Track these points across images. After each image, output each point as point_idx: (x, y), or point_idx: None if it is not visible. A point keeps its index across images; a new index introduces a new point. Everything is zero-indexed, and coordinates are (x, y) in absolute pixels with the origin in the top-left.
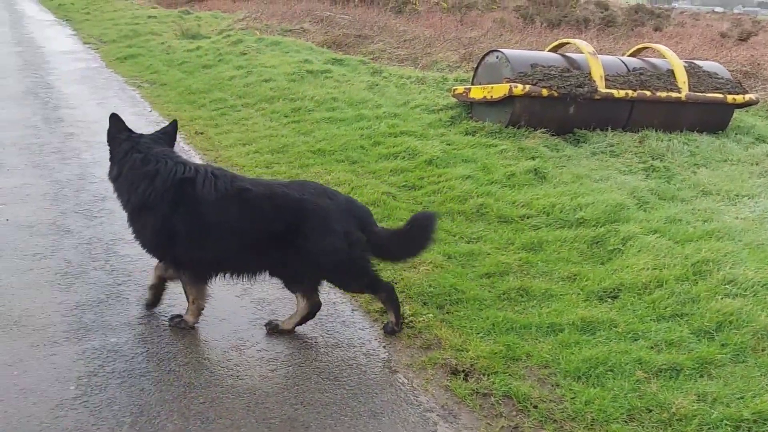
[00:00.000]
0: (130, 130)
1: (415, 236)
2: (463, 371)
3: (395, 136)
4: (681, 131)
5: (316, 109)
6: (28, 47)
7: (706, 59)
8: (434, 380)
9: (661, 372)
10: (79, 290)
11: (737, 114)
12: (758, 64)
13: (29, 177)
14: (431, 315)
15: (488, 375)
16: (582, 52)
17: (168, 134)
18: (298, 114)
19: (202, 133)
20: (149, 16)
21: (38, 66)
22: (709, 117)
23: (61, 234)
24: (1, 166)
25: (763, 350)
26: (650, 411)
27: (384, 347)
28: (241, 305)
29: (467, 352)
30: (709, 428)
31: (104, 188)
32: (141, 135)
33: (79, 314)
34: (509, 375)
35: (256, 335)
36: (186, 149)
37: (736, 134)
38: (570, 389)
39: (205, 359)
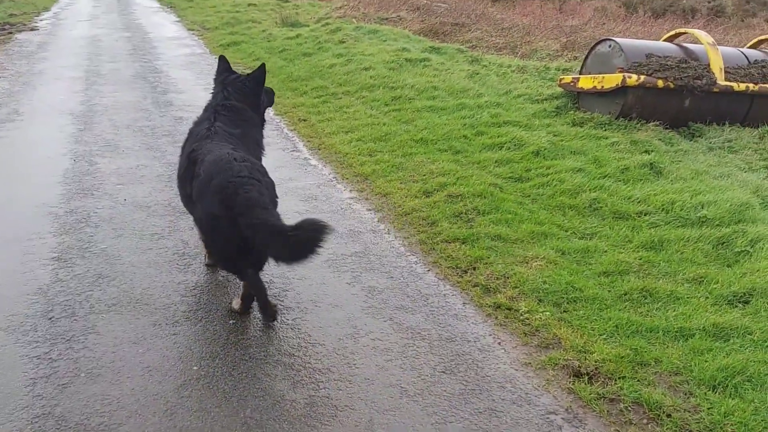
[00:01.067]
0: (228, 72)
1: (299, 243)
2: (587, 374)
3: (498, 126)
4: None
5: (417, 98)
6: (135, 33)
7: None
8: (556, 381)
9: None
10: (197, 271)
11: None
12: None
13: (143, 158)
14: (548, 313)
15: (615, 379)
16: (700, 43)
17: (255, 78)
18: (399, 102)
19: (305, 120)
20: (249, 4)
21: (146, 51)
22: None
23: (176, 215)
24: (117, 147)
25: None
26: None
27: (499, 343)
28: (353, 293)
29: (591, 354)
30: None
31: None
32: (233, 79)
33: (198, 294)
34: (637, 380)
35: (369, 324)
36: (290, 136)
37: None
38: (705, 399)
39: (320, 345)
